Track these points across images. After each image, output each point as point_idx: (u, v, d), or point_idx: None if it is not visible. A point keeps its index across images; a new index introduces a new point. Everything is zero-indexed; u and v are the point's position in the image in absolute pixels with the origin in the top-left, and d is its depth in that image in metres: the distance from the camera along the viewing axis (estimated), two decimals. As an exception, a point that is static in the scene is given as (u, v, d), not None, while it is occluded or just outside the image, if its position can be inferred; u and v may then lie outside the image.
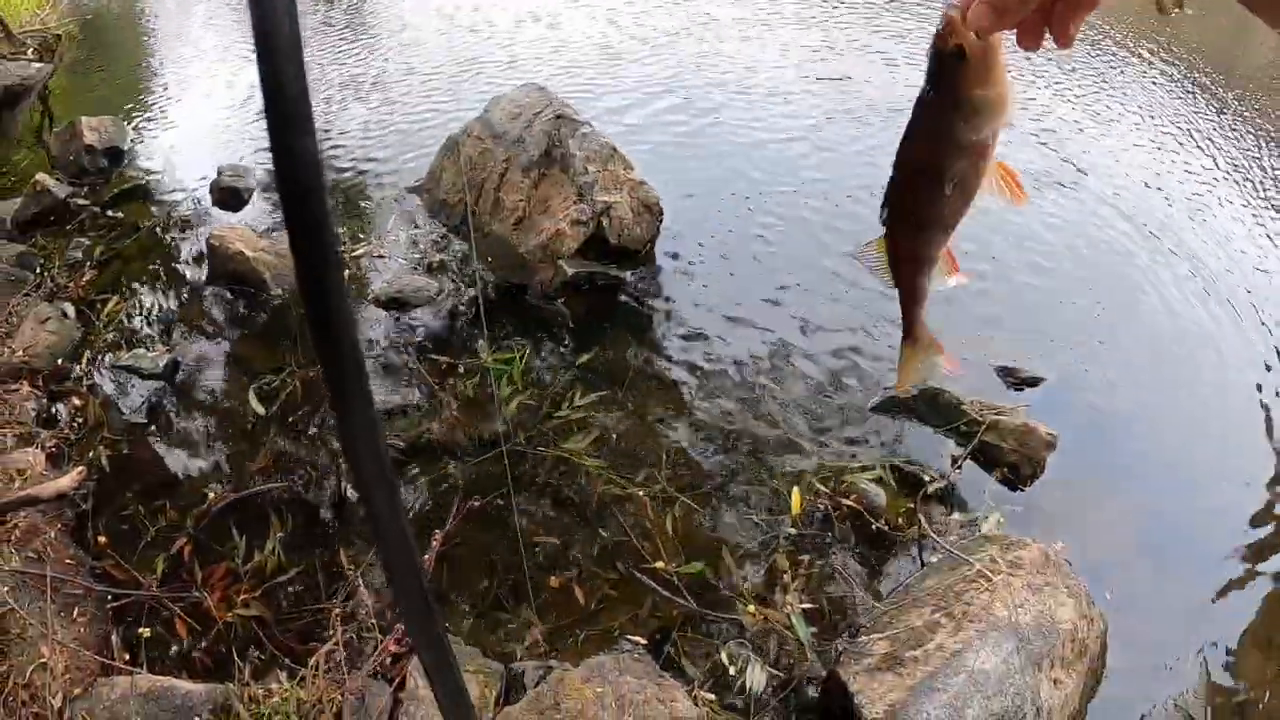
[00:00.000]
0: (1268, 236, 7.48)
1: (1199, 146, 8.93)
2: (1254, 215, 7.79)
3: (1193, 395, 5.81)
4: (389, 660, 3.91)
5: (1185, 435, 5.53)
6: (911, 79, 9.62)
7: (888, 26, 11.46)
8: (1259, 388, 5.85)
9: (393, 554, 0.79)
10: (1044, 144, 8.64)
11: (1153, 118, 9.51)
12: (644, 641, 4.14)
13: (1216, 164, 8.61)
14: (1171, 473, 5.29)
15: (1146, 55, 11.10)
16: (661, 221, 6.79)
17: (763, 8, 12.13)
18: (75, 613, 4.07)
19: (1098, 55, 11.05)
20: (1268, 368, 6.00)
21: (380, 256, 6.79)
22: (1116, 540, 4.86)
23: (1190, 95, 10.22)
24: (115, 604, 4.22)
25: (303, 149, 0.64)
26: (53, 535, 4.45)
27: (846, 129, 8.67)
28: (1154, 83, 10.50)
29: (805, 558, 4.57)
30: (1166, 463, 5.35)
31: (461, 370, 5.66)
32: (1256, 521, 4.99)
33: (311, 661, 3.80)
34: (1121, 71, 10.71)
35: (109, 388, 5.65)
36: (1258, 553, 4.83)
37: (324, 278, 0.67)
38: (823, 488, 4.85)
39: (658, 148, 8.21)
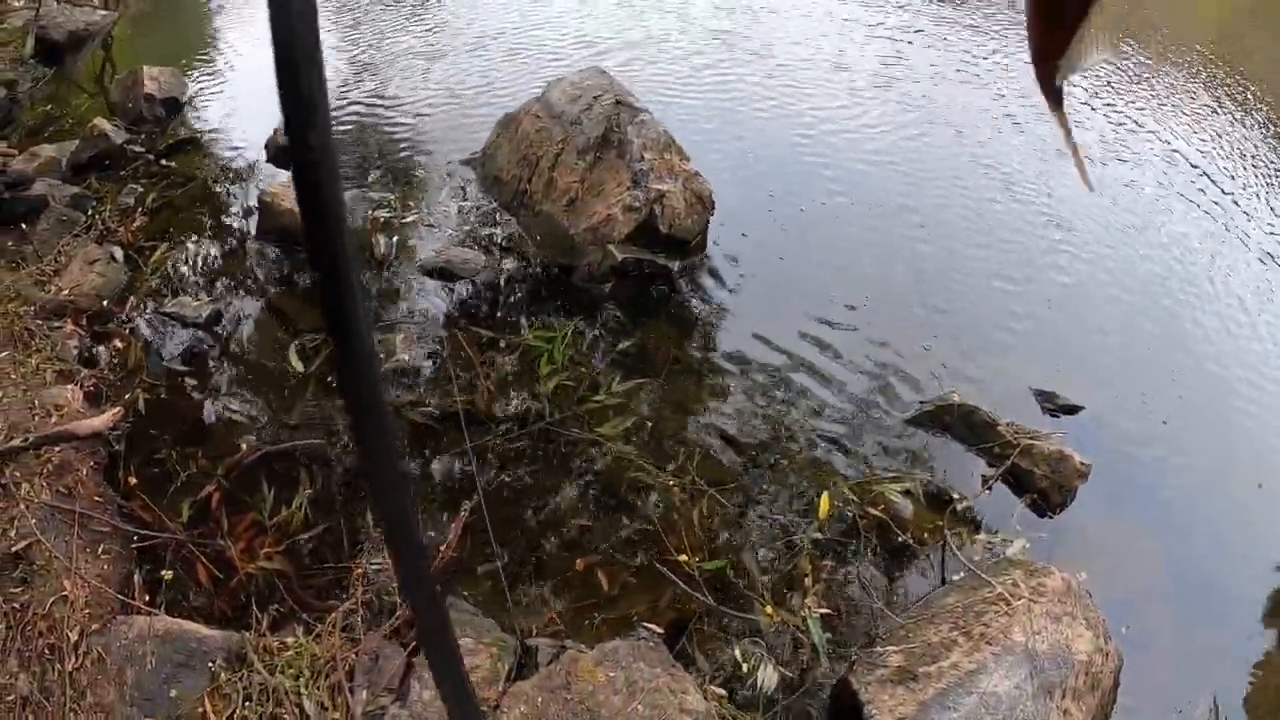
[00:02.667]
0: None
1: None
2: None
3: (1236, 448, 5.72)
4: (406, 624, 3.93)
5: (1222, 485, 5.44)
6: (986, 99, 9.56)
7: (967, 41, 11.34)
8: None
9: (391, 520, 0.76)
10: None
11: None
12: (660, 631, 4.13)
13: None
14: (1202, 518, 5.21)
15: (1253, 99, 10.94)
16: (713, 214, 6.77)
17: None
18: (100, 550, 4.11)
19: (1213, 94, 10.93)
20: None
21: (430, 226, 6.81)
22: (1139, 578, 4.82)
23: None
24: (140, 544, 4.26)
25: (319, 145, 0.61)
26: (84, 472, 4.49)
27: (911, 142, 8.58)
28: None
29: (828, 563, 4.56)
30: (1199, 508, 5.26)
31: (502, 345, 5.67)
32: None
33: (329, 619, 3.83)
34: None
35: (151, 333, 5.70)
36: (1280, 608, 4.78)
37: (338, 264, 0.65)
38: (852, 495, 4.83)
39: (715, 142, 8.18)
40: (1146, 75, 11.10)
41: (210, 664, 3.54)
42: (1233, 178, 8.85)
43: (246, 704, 3.41)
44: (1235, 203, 8.41)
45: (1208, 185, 8.62)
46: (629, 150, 6.54)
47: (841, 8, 11.73)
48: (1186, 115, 10.20)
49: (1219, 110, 10.45)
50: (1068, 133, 1.09)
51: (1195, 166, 8.91)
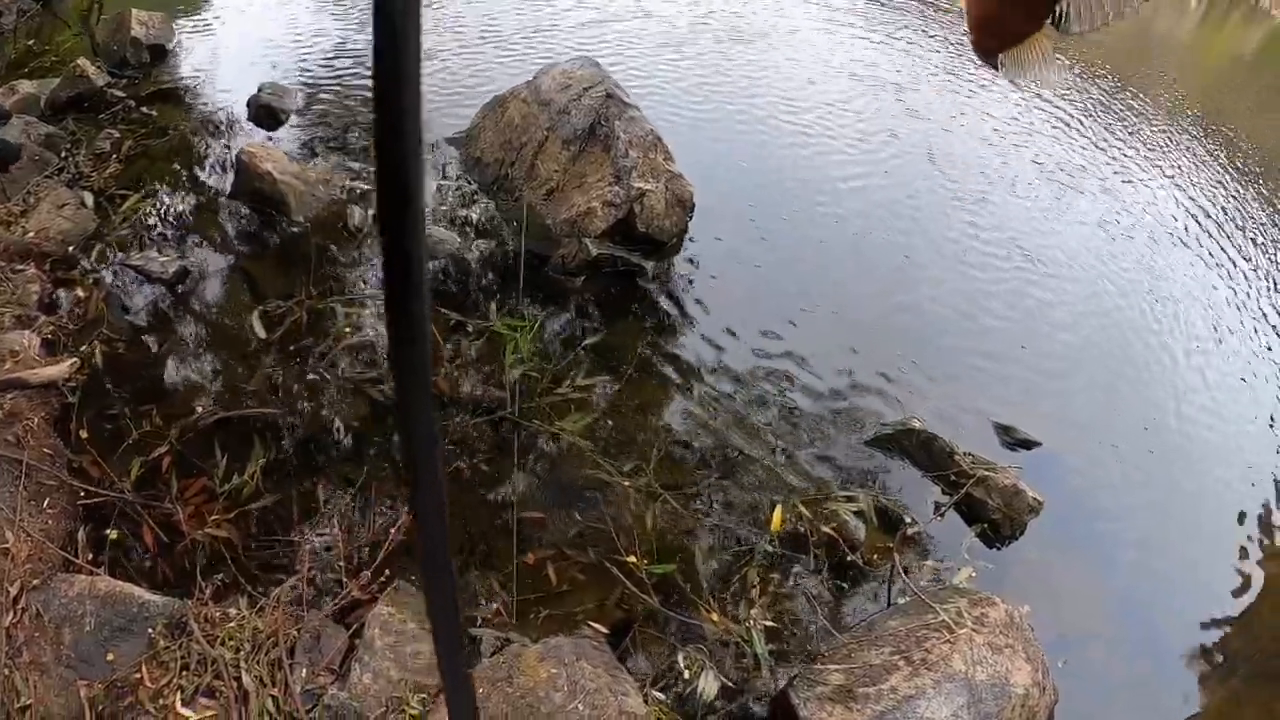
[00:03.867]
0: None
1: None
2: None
3: (1187, 494, 5.81)
4: (351, 605, 3.91)
5: (1170, 530, 5.52)
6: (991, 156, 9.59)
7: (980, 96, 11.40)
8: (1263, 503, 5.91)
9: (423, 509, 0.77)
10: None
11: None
12: (605, 631, 4.13)
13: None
14: (1148, 562, 5.29)
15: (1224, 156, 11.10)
16: (692, 217, 6.78)
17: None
18: (46, 503, 4.04)
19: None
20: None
21: (406, 201, 6.73)
22: (1081, 616, 4.88)
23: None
24: (87, 501, 4.18)
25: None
26: (35, 422, 4.42)
27: (905, 179, 8.60)
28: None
29: (775, 576, 4.58)
30: (1145, 552, 5.34)
31: (469, 330, 5.63)
32: (1220, 625, 5.02)
33: (274, 593, 3.80)
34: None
35: (114, 284, 5.61)
36: (1216, 654, 4.85)
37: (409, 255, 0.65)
38: (805, 510, 4.84)
39: (703, 146, 8.18)
40: (1143, 126, 11.25)
41: (150, 630, 3.49)
42: (1217, 236, 8.99)
43: (184, 673, 3.37)
44: (1216, 258, 8.55)
45: (1197, 241, 8.76)
46: (614, 145, 6.52)
47: (859, 50, 11.75)
48: (1183, 169, 10.35)
49: (1215, 164, 10.62)
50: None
51: (1186, 225, 9.04)
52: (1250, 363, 7.18)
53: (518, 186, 6.73)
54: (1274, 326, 7.78)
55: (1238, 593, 5.23)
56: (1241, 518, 5.72)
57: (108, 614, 3.51)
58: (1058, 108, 11.00)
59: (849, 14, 12.94)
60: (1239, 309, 7.86)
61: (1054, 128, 10.42)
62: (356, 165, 7.02)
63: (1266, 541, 5.58)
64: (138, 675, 3.35)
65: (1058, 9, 0.95)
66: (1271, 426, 6.52)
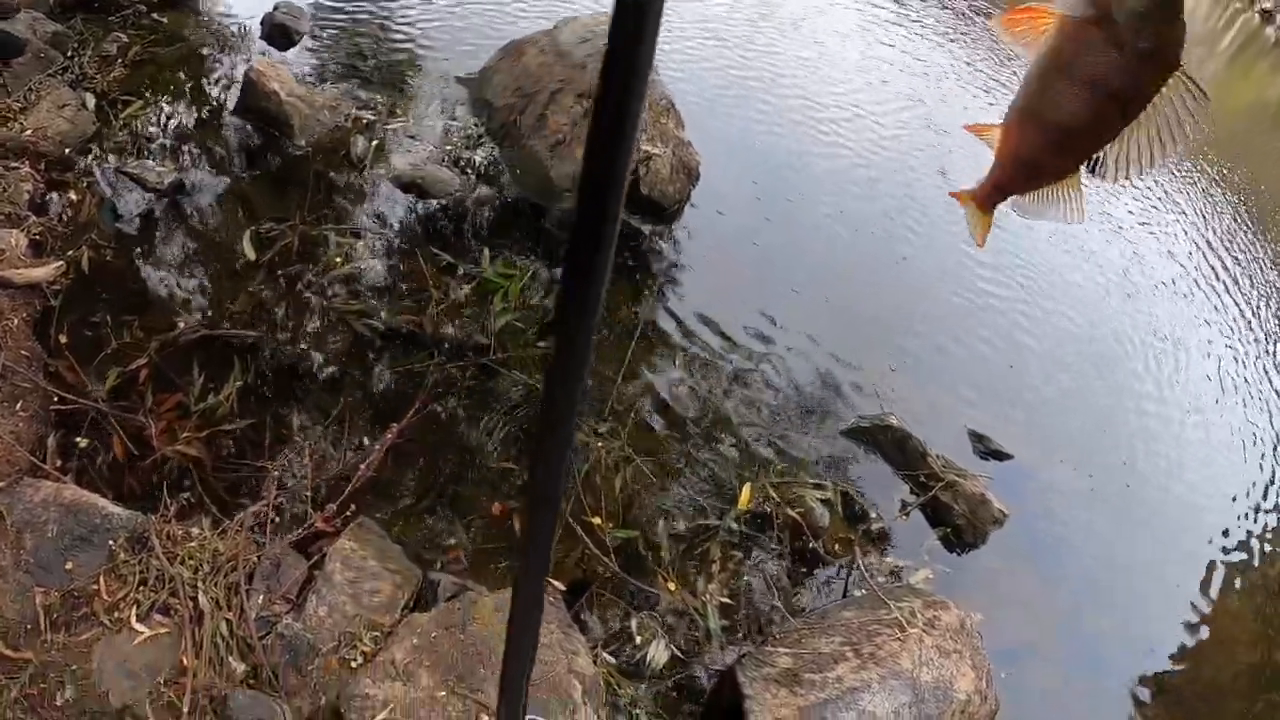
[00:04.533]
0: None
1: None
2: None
3: (1152, 531, 5.88)
4: (314, 536, 3.92)
5: (1129, 561, 5.58)
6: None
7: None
8: (1225, 534, 6.01)
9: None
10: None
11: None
12: (562, 588, 4.15)
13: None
14: (1102, 588, 5.35)
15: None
16: (696, 186, 6.75)
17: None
18: (19, 406, 4.01)
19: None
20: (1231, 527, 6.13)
21: (412, 137, 6.69)
22: (1030, 631, 4.93)
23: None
24: (60, 407, 4.16)
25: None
26: (15, 323, 4.38)
27: (915, 173, 8.61)
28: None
29: (737, 553, 4.61)
30: (1101, 577, 5.40)
31: (460, 273, 5.61)
32: (1163, 655, 5.10)
33: (238, 517, 3.80)
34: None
35: (109, 190, 5.55)
36: (1157, 683, 4.92)
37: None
38: (773, 492, 4.87)
39: (718, 120, 8.15)
40: (1162, 170, 11.23)
41: (111, 542, 3.48)
42: (1226, 289, 9.03)
43: (141, 588, 3.37)
44: (1223, 312, 8.59)
45: (1206, 293, 8.79)
46: (627, 105, 6.46)
47: (893, 53, 11.66)
48: (1199, 215, 10.36)
49: (1232, 212, 10.64)
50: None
51: (1196, 275, 9.06)
52: (1244, 422, 7.20)
53: (525, 135, 6.68)
54: (1273, 387, 7.82)
55: (1186, 627, 5.30)
56: (1199, 562, 5.78)
57: (70, 522, 3.51)
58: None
59: (890, 14, 12.80)
60: (1240, 364, 7.88)
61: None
62: (364, 95, 6.95)
63: (1219, 586, 5.64)
64: (95, 586, 3.35)
65: (1095, 157, 0.96)
66: (1252, 487, 6.56)
